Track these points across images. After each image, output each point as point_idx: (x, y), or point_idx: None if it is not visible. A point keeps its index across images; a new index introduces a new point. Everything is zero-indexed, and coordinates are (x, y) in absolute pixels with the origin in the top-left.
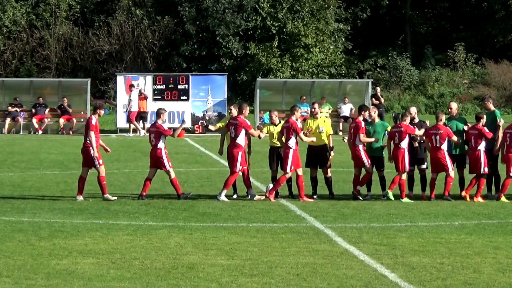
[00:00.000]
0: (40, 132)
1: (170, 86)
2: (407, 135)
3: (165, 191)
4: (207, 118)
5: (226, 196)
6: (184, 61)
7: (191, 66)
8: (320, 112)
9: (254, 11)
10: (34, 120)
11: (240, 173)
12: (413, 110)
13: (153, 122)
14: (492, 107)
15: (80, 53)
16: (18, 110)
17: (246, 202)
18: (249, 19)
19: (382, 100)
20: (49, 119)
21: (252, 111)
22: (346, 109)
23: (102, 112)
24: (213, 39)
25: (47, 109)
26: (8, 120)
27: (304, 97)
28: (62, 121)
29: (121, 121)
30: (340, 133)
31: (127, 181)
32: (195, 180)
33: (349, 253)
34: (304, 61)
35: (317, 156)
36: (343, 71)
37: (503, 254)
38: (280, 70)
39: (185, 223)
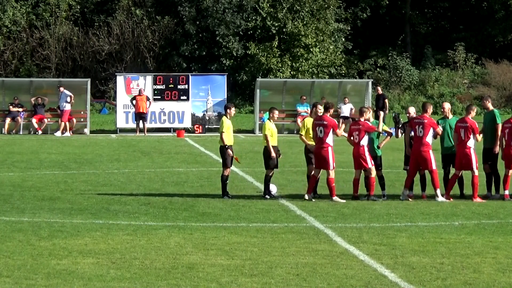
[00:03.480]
0: (40, 132)
1: (170, 86)
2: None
3: (165, 191)
4: (207, 118)
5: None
6: (184, 61)
7: (191, 66)
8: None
9: (254, 11)
10: (34, 120)
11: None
12: (412, 110)
13: (356, 119)
14: (491, 107)
15: (80, 53)
16: (20, 110)
17: (246, 202)
18: (249, 19)
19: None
20: (49, 119)
21: (252, 111)
22: (346, 109)
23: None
24: (213, 39)
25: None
26: (8, 120)
27: (304, 97)
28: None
29: (121, 121)
30: None
31: (127, 181)
32: (195, 180)
33: (349, 253)
34: (304, 61)
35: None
36: (343, 71)
37: (503, 254)
38: (280, 70)
39: (185, 223)
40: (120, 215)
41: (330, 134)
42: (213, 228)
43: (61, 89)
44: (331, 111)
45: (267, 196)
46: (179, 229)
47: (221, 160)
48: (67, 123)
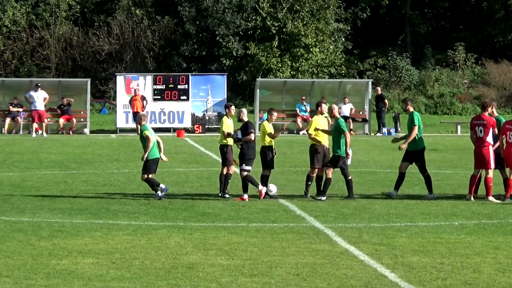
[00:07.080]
0: (40, 132)
1: (170, 86)
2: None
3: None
4: (207, 118)
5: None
6: (184, 61)
7: (191, 66)
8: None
9: (254, 11)
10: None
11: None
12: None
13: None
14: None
15: (80, 53)
16: (20, 110)
17: (246, 202)
18: (249, 19)
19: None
20: (49, 119)
21: (252, 111)
22: (346, 109)
23: None
24: (213, 39)
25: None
26: (8, 120)
27: (304, 97)
28: (62, 121)
29: (121, 121)
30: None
31: (127, 181)
32: (195, 180)
33: (349, 253)
34: (304, 61)
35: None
36: (343, 71)
37: (503, 254)
38: (280, 70)
39: (185, 223)
40: (120, 215)
41: (490, 133)
42: (213, 228)
43: (39, 88)
44: (489, 110)
45: (267, 196)
46: (179, 229)
47: (220, 160)
48: (44, 124)
